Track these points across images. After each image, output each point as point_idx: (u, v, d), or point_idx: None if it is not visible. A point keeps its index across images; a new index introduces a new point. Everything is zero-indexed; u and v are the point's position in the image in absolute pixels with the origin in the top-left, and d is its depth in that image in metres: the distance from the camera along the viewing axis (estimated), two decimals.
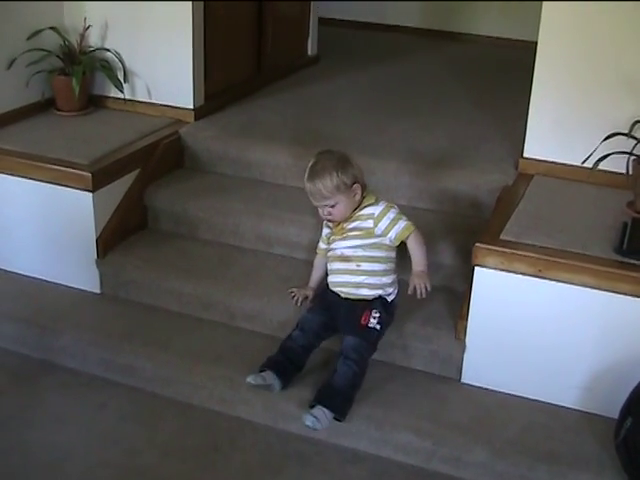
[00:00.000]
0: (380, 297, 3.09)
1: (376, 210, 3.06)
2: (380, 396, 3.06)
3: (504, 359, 3.07)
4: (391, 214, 3.05)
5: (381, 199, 3.11)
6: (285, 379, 3.03)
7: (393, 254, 3.12)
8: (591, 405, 3.02)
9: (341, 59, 5.60)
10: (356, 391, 2.99)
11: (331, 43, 5.77)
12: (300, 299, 3.28)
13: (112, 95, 4.27)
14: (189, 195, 3.80)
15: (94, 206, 3.56)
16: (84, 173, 3.50)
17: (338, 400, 2.94)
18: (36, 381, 3.40)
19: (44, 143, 3.75)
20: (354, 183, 3.03)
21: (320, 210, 3.10)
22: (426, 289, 3.04)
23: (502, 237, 2.98)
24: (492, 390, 3.11)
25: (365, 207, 3.08)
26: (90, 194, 3.52)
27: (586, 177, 3.31)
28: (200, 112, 4.21)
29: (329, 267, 3.18)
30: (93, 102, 4.26)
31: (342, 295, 3.11)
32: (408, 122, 4.28)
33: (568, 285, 2.87)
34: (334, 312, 3.11)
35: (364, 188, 3.10)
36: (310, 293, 3.29)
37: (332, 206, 3.04)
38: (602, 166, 3.13)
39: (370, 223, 3.05)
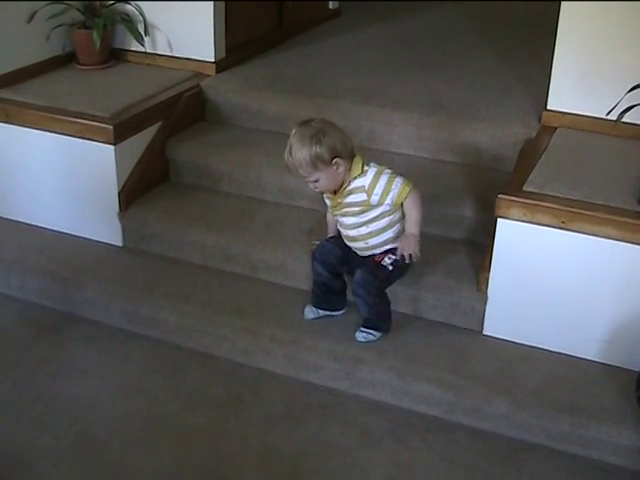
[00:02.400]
0: (395, 248, 3.02)
1: (365, 181, 2.91)
2: (402, 347, 3.08)
3: (526, 311, 3.07)
4: (382, 181, 2.90)
5: (370, 164, 2.94)
6: (335, 304, 3.20)
7: (398, 214, 3.00)
8: (612, 357, 3.02)
9: (363, 13, 5.55)
10: (383, 316, 3.11)
11: None
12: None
13: (133, 49, 4.26)
14: (211, 148, 3.80)
15: (116, 159, 3.56)
16: (106, 126, 3.51)
17: (370, 322, 3.11)
18: (60, 333, 3.43)
19: (66, 97, 3.74)
20: (334, 157, 2.83)
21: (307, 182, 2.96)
22: (414, 255, 2.97)
23: (525, 188, 2.96)
24: (513, 342, 3.12)
25: (355, 180, 2.91)
26: (112, 147, 3.53)
27: (610, 129, 3.27)
28: (221, 65, 4.19)
29: (343, 238, 3.12)
30: (114, 56, 4.25)
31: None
32: (430, 75, 4.25)
33: (591, 237, 2.85)
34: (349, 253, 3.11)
35: (350, 156, 2.90)
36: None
37: (314, 181, 2.91)
38: (626, 118, 3.08)
39: (363, 196, 2.92)
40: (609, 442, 2.78)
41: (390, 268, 3.00)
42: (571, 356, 3.06)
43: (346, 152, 2.88)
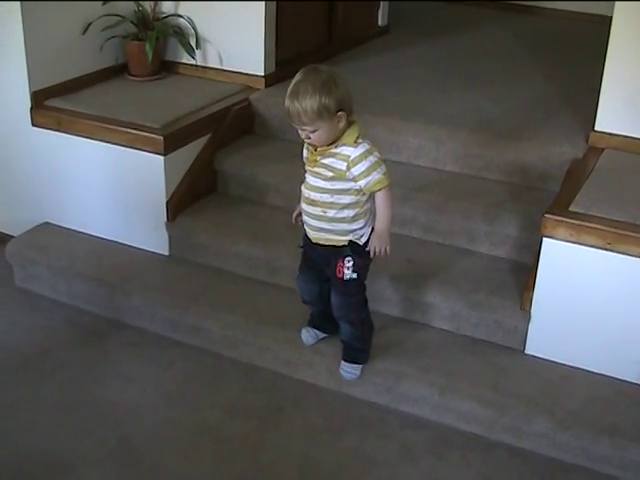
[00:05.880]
0: (350, 242, 2.89)
1: (353, 153, 2.75)
2: (443, 364, 3.08)
3: (569, 332, 3.06)
4: (367, 162, 2.75)
5: (365, 139, 2.79)
6: (326, 329, 3.19)
7: (364, 198, 2.85)
8: None
9: (411, 30, 5.57)
10: (365, 340, 3.07)
11: (402, 14, 5.74)
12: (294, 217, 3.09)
13: (184, 61, 4.31)
14: (259, 161, 3.83)
15: (165, 169, 3.61)
16: (156, 136, 3.56)
17: (349, 353, 3.08)
18: (105, 339, 3.48)
19: (117, 107, 3.80)
20: (339, 110, 2.69)
21: (300, 132, 2.78)
22: (385, 251, 2.87)
23: (571, 209, 2.96)
24: (555, 362, 3.11)
25: (343, 146, 2.76)
26: (162, 157, 3.58)
27: None
28: (271, 79, 4.23)
29: (301, 206, 2.97)
30: (165, 68, 4.31)
31: (313, 240, 2.95)
32: (478, 93, 4.26)
33: (637, 259, 2.84)
34: (317, 263, 3.01)
35: (350, 114, 2.77)
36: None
37: (312, 131, 2.73)
38: None
39: (343, 165, 2.76)
40: None
41: (355, 276, 2.91)
42: (613, 378, 3.04)
43: (350, 108, 2.76)
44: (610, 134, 3.47)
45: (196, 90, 4.10)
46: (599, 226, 2.87)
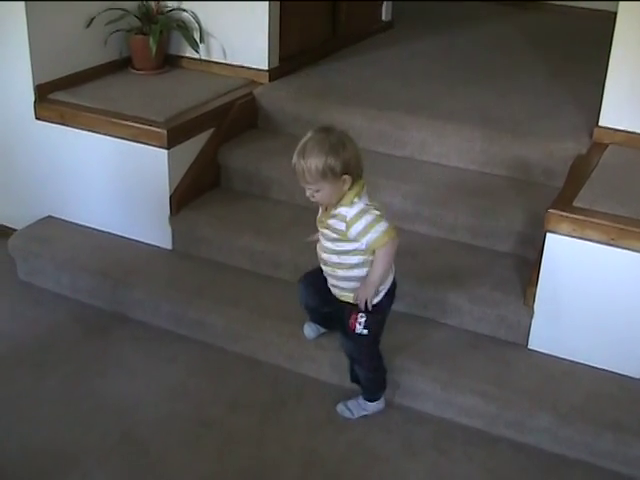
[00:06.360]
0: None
1: (349, 213, 2.71)
2: (446, 359, 3.08)
3: (572, 327, 3.05)
4: (364, 220, 2.70)
5: (362, 198, 2.73)
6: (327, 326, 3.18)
7: (372, 257, 2.79)
8: None
9: (415, 25, 5.55)
10: (377, 380, 3.03)
11: (405, 9, 5.73)
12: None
13: (188, 55, 4.31)
14: (262, 155, 3.84)
15: (169, 163, 3.61)
16: (160, 130, 3.55)
17: (366, 394, 3.05)
18: (108, 333, 3.49)
19: (121, 100, 3.80)
20: (344, 173, 2.65)
21: (305, 189, 2.75)
22: (366, 304, 2.80)
23: (575, 204, 2.96)
24: (559, 357, 3.10)
25: (341, 206, 2.73)
26: (165, 151, 3.58)
27: None
28: (274, 74, 4.23)
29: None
30: (169, 61, 4.31)
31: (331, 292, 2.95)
32: (482, 88, 4.25)
33: None
34: (329, 295, 2.97)
35: (356, 177, 2.70)
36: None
37: (316, 190, 2.71)
38: None
39: (342, 226, 2.73)
40: None
41: (365, 332, 2.86)
42: (616, 373, 3.03)
43: (356, 171, 2.70)
44: (614, 130, 3.47)
45: (200, 84, 4.09)
46: (603, 221, 2.86)
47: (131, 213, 3.78)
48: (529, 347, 3.15)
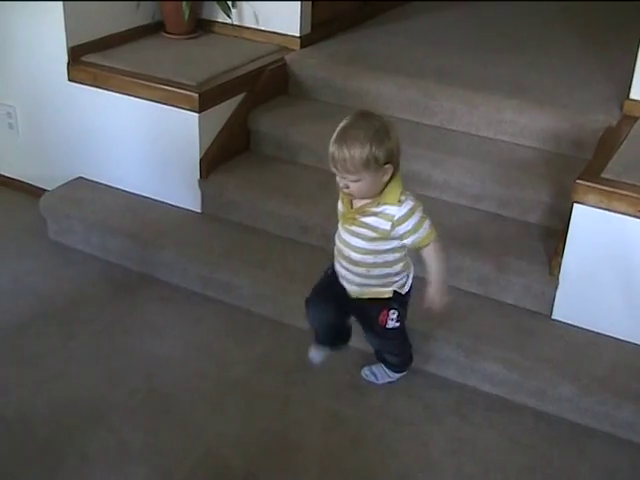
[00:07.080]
0: (395, 292, 2.79)
1: (398, 213, 2.56)
2: (470, 326, 3.10)
3: (597, 298, 3.06)
4: (413, 219, 2.58)
5: (408, 195, 2.60)
6: (340, 343, 3.09)
7: (405, 250, 2.72)
8: None
9: None
10: (404, 358, 3.04)
11: None
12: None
13: (220, 20, 4.32)
14: (292, 120, 3.85)
15: (199, 127, 3.63)
16: (191, 94, 3.57)
17: (392, 368, 3.07)
18: (137, 293, 3.54)
19: (153, 64, 3.83)
20: (387, 162, 2.51)
21: (339, 180, 2.58)
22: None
23: (603, 175, 2.95)
24: (582, 328, 3.11)
25: (386, 205, 2.58)
26: (196, 115, 3.60)
27: None
28: (306, 40, 4.23)
29: (334, 254, 2.81)
30: (201, 26, 4.32)
31: (352, 295, 2.83)
32: (513, 58, 4.23)
33: None
34: (343, 302, 2.86)
35: (397, 168, 2.58)
36: None
37: (354, 181, 2.53)
38: None
39: (387, 225, 2.59)
40: None
41: (397, 325, 2.82)
42: (639, 345, 3.05)
43: (397, 161, 2.57)
44: None
45: (231, 49, 4.11)
46: (630, 193, 2.86)
47: (161, 176, 3.81)
48: (553, 317, 3.16)
